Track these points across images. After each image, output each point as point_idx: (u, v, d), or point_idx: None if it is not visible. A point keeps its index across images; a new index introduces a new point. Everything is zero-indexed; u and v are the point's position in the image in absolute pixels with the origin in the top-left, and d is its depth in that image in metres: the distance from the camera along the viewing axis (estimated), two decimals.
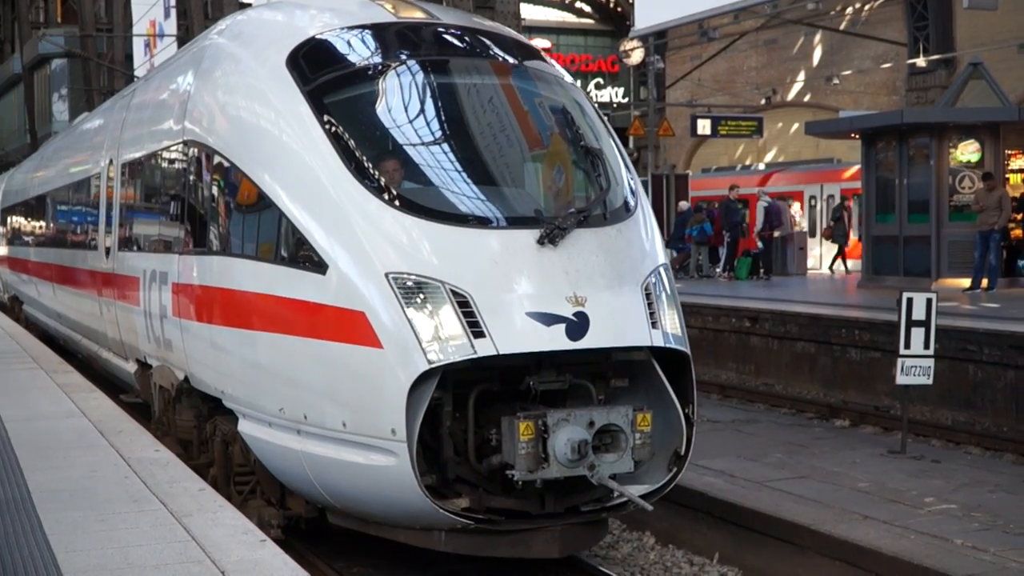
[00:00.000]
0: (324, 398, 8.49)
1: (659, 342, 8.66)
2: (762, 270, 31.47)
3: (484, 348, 8.03)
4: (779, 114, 51.00)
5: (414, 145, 9.01)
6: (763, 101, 49.51)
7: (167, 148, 11.72)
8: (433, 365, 7.96)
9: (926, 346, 12.84)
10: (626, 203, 9.32)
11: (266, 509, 9.94)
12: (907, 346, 12.82)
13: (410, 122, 9.17)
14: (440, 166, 8.96)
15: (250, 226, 9.63)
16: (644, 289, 8.74)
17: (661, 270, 9.08)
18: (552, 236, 8.45)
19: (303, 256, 8.70)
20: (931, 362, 12.93)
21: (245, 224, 9.74)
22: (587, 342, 8.28)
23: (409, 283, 8.18)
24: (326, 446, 8.52)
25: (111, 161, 14.84)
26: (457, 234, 8.45)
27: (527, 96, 9.81)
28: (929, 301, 12.84)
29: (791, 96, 50.77)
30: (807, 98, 50.05)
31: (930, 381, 13.10)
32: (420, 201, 8.61)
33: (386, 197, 8.56)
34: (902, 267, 24.93)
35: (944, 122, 24.52)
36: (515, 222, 8.63)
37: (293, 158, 9.03)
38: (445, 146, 9.10)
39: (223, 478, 10.34)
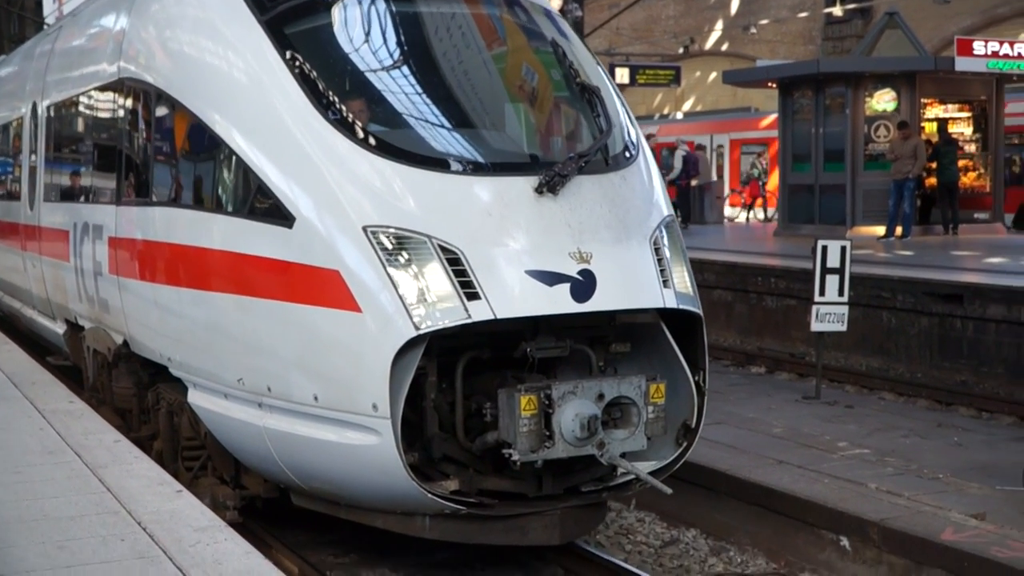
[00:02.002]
0: (292, 368, 7.54)
1: (672, 303, 7.78)
2: (679, 218, 31.63)
3: (479, 312, 7.09)
4: (697, 63, 51.11)
5: (391, 81, 8.06)
6: (681, 50, 49.56)
7: (100, 89, 10.75)
8: (421, 331, 7.02)
9: (840, 293, 12.98)
10: (627, 148, 8.40)
11: (219, 488, 8.90)
12: (822, 293, 12.95)
13: (385, 56, 8.23)
14: (422, 105, 7.99)
15: (200, 173, 8.68)
16: (653, 243, 7.87)
17: (668, 222, 8.21)
18: (552, 184, 7.51)
19: (265, 207, 7.71)
20: (845, 309, 13.09)
21: (194, 171, 8.77)
22: (594, 304, 7.39)
23: (390, 237, 7.22)
24: (294, 421, 7.58)
25: (35, 105, 13.79)
26: (444, 181, 7.52)
27: (515, 28, 8.94)
28: (843, 249, 12.98)
29: (709, 45, 50.89)
30: (725, 47, 50.19)
31: (844, 328, 13.28)
32: (401, 144, 7.64)
33: (361, 139, 7.59)
34: (818, 215, 25.14)
35: (860, 71, 24.68)
36: (509, 168, 7.71)
37: (251, 96, 8.06)
38: (426, 82, 8.13)
39: (169, 452, 9.37)
